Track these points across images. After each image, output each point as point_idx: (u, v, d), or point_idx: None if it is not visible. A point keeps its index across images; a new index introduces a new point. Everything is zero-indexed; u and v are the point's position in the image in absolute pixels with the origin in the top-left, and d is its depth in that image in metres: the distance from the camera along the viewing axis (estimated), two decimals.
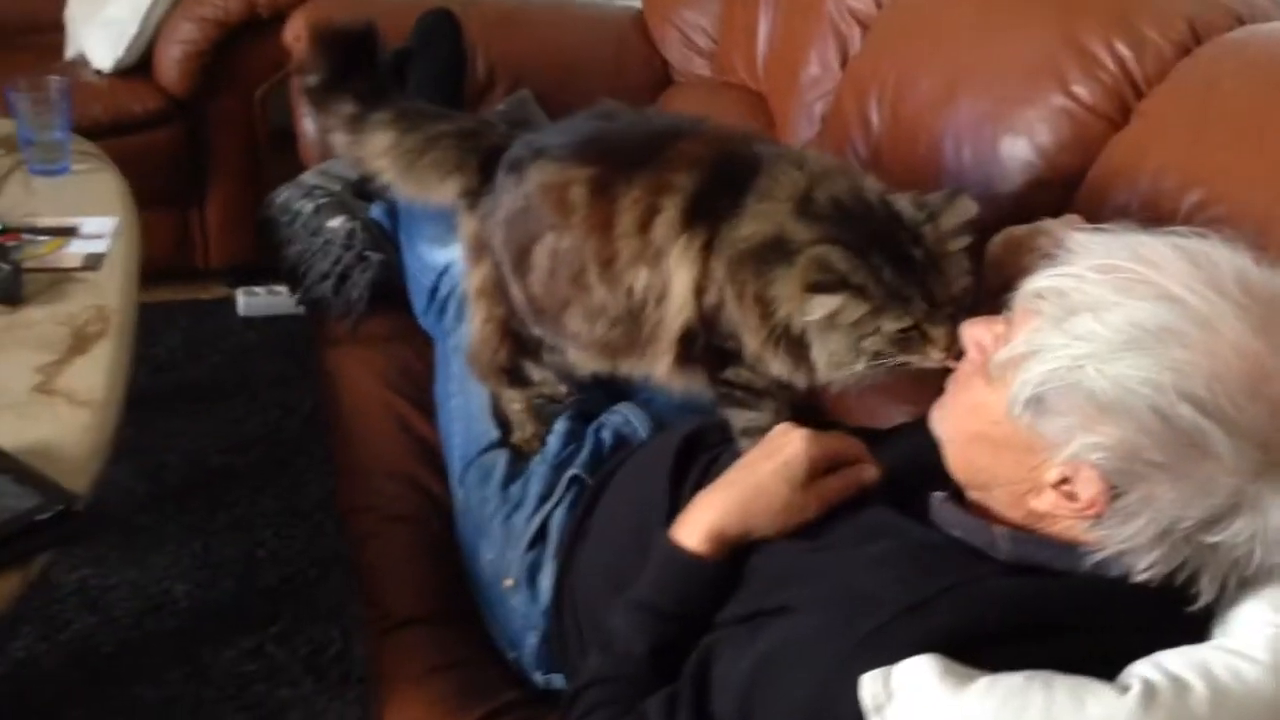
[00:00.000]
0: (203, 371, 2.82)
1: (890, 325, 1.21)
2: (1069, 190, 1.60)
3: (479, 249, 1.56)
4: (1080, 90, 1.59)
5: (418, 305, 1.98)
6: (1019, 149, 1.65)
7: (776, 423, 1.35)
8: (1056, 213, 1.60)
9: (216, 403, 2.69)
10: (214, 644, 2.03)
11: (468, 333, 1.63)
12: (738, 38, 2.44)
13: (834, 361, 1.25)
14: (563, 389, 1.72)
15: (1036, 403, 0.99)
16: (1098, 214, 1.52)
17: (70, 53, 3.05)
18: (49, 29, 3.10)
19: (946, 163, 1.74)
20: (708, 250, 1.32)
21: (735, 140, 1.41)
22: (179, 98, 2.90)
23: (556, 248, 1.43)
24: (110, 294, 1.83)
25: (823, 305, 1.21)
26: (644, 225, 1.36)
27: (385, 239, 2.15)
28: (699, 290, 1.33)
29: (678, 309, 1.36)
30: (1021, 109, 1.65)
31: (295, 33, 2.55)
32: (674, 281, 1.35)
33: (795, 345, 1.28)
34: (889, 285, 1.20)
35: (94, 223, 2.02)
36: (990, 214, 1.67)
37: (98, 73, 2.95)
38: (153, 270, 3.07)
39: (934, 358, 1.22)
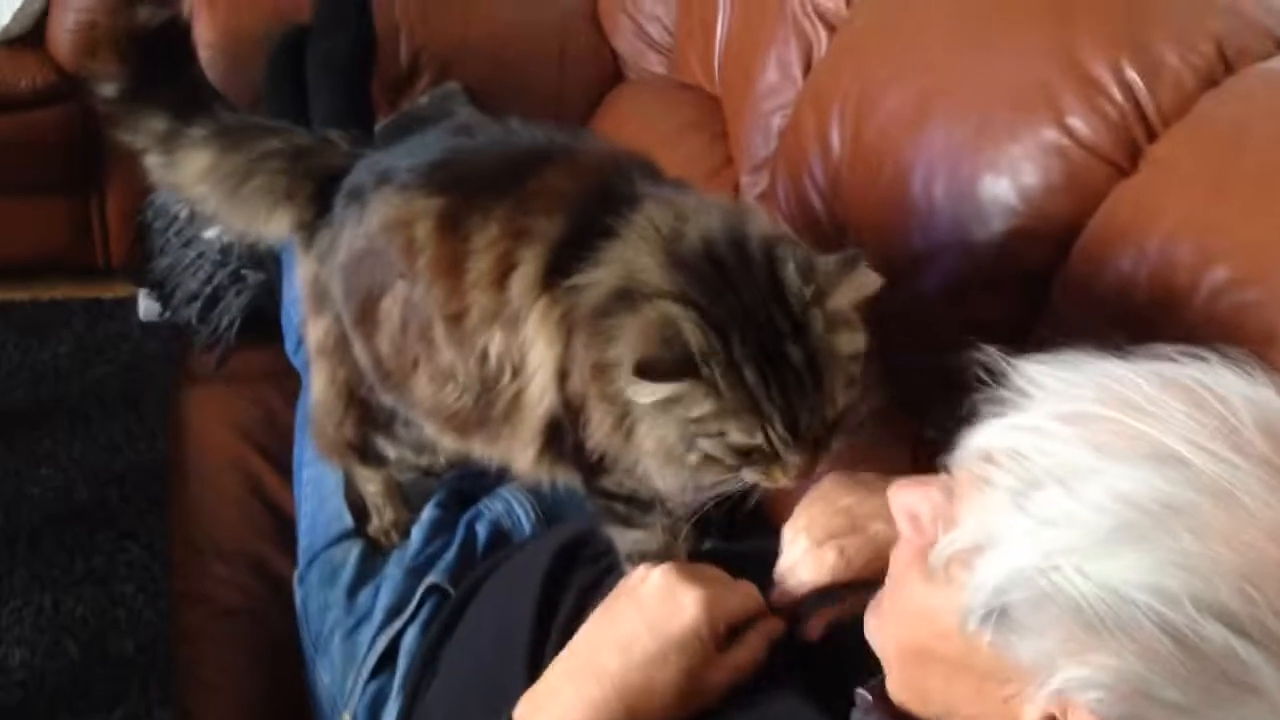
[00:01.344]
0: (89, 384, 2.51)
1: (737, 437, 0.92)
2: (1060, 247, 1.29)
3: (318, 297, 1.25)
4: (1077, 124, 1.28)
5: (288, 342, 1.67)
6: (1000, 191, 1.33)
7: (666, 545, 1.06)
8: (1044, 273, 1.32)
9: (97, 422, 2.39)
10: None
11: (310, 395, 1.33)
12: (694, 32, 2.12)
13: (662, 450, 0.96)
14: (441, 460, 1.42)
15: (1000, 617, 0.71)
16: (1095, 282, 1.23)
17: None
18: None
19: (914, 199, 1.43)
20: (567, 322, 1.02)
21: (613, 171, 1.10)
22: (73, 73, 2.57)
23: (409, 298, 1.12)
24: None
25: (650, 392, 0.91)
26: (499, 279, 1.06)
27: (271, 256, 1.84)
28: (562, 373, 1.03)
29: (539, 393, 1.06)
30: (1005, 142, 1.34)
31: (192, 5, 2.22)
32: (532, 354, 1.05)
33: (625, 418, 0.99)
34: (747, 391, 0.90)
35: None
36: (965, 268, 1.38)
37: None
38: (49, 265, 2.87)
39: (780, 483, 0.96)
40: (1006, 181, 1.33)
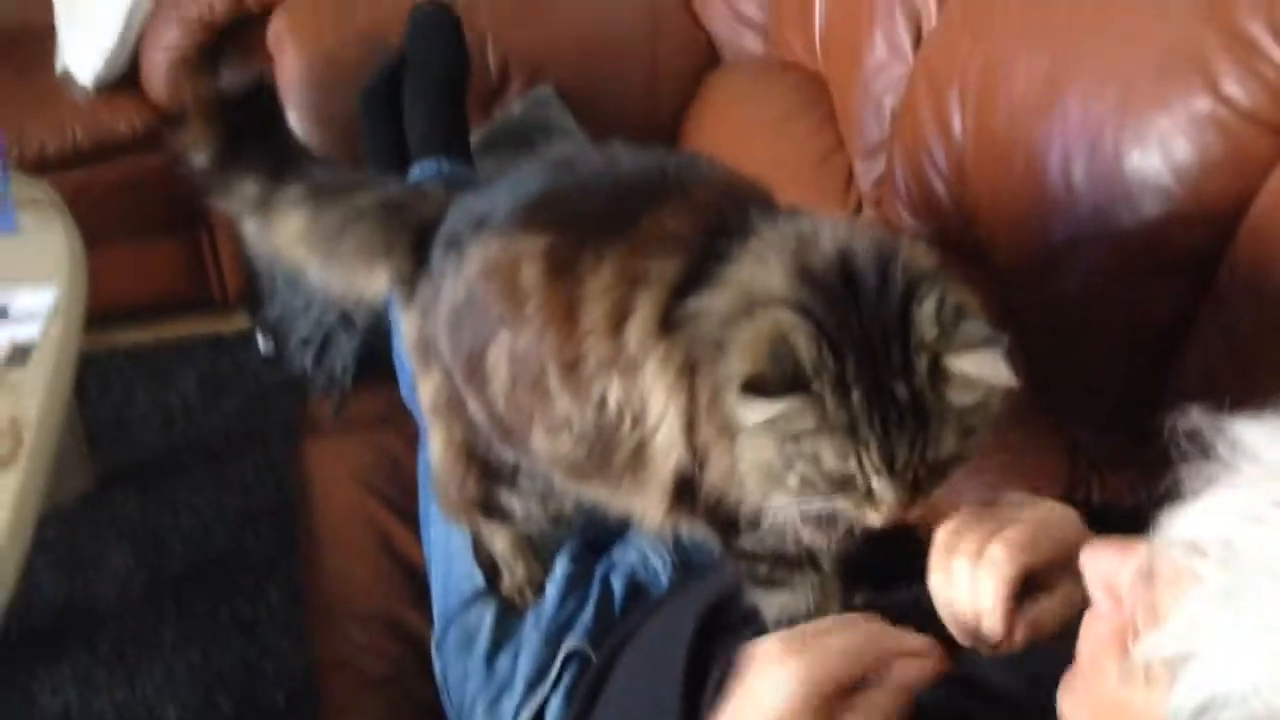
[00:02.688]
0: (216, 423, 2.52)
1: (830, 460, 0.85)
2: (1222, 231, 1.17)
3: (425, 353, 1.19)
4: (1234, 90, 1.15)
5: (403, 385, 1.62)
6: (1150, 170, 1.21)
7: (817, 606, 0.99)
8: (1205, 261, 1.19)
9: (228, 462, 2.39)
10: None
11: (430, 456, 1.27)
12: (791, 9, 2.00)
13: (760, 466, 0.89)
14: (568, 507, 1.36)
15: None
16: (1269, 269, 1.10)
17: (59, 65, 2.74)
18: (43, 34, 2.80)
19: (1051, 185, 1.32)
20: (690, 362, 0.95)
21: (730, 207, 1.01)
22: (171, 112, 2.57)
23: (514, 349, 1.06)
24: (30, 402, 1.51)
25: (758, 412, 0.85)
26: (616, 325, 0.99)
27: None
28: (690, 425, 0.96)
29: (667, 446, 0.99)
30: (1152, 115, 1.21)
31: (277, 34, 2.19)
32: (652, 403, 0.98)
33: (726, 436, 0.92)
34: (849, 414, 0.84)
35: (28, 297, 1.72)
36: (1114, 259, 1.26)
37: (85, 90, 2.63)
38: (167, 304, 2.89)
39: (869, 519, 0.89)
40: (1156, 159, 1.21)
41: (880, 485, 0.86)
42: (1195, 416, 0.70)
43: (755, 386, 0.83)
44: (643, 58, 2.23)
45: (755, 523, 0.98)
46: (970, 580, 0.86)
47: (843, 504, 0.88)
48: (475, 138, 2.06)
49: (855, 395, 0.83)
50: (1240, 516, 0.62)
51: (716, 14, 2.23)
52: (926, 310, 0.86)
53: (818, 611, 1.01)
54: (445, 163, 1.86)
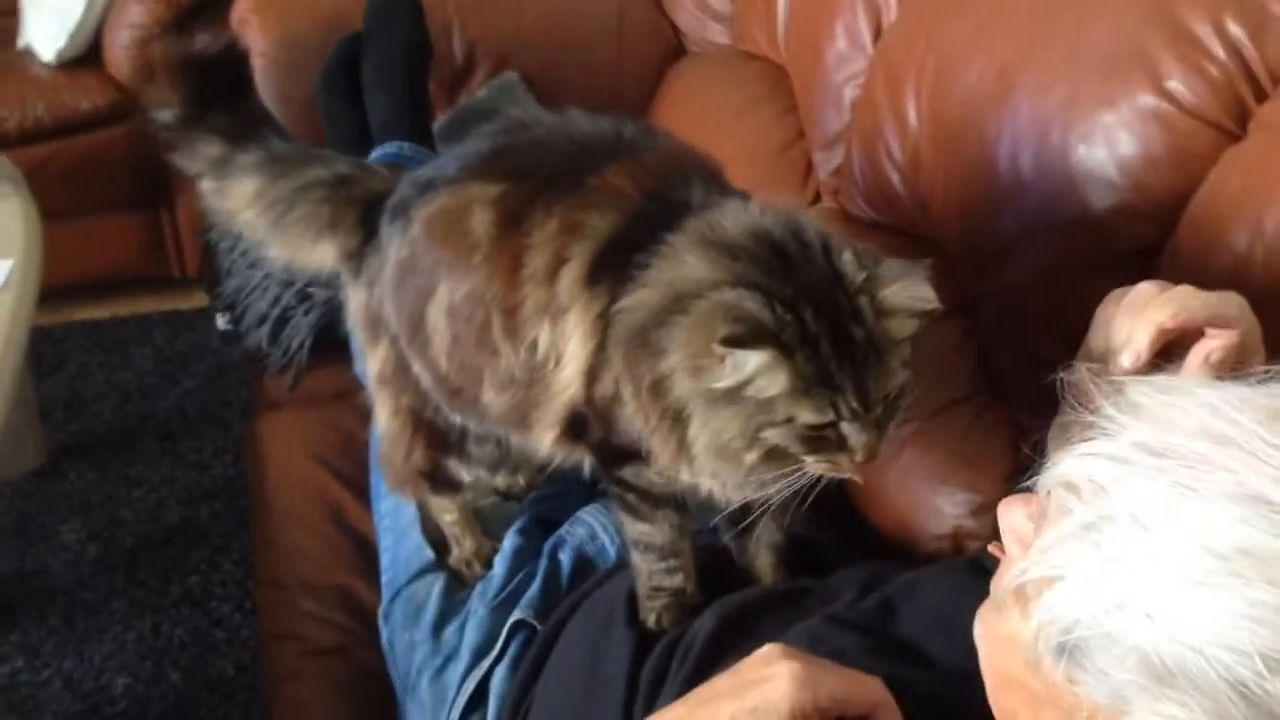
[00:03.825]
0: (173, 398, 2.51)
1: (808, 417, 0.89)
2: (1164, 223, 1.20)
3: (372, 325, 1.21)
4: (1178, 87, 1.18)
5: (358, 363, 1.63)
6: (1096, 163, 1.24)
7: (674, 540, 1.08)
8: (1148, 252, 1.22)
9: (184, 439, 2.39)
10: None
11: (376, 429, 1.29)
12: (755, 1, 2.02)
13: (718, 445, 0.92)
14: (520, 481, 1.37)
15: (1072, 653, 0.66)
16: (1206, 261, 1.13)
17: (21, 41, 2.72)
18: (5, 10, 2.79)
19: (1000, 177, 1.34)
20: (605, 318, 0.99)
21: (675, 176, 1.05)
22: (133, 90, 2.55)
23: (453, 302, 1.08)
24: None
25: (744, 362, 0.87)
26: (552, 272, 1.03)
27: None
28: (590, 373, 1.01)
29: (566, 382, 1.04)
30: (1099, 111, 1.24)
31: (240, 14, 2.19)
32: (569, 347, 1.03)
33: (675, 423, 0.94)
34: (822, 361, 0.88)
35: None
36: (1060, 249, 1.29)
37: (47, 66, 2.62)
38: (126, 280, 2.88)
39: (845, 469, 0.93)
40: (1102, 153, 1.23)
41: (852, 430, 0.90)
42: (1081, 371, 0.75)
43: (734, 340, 0.86)
44: (609, 46, 2.24)
45: (640, 459, 1.02)
46: (1132, 316, 0.86)
47: (813, 463, 0.92)
48: (439, 123, 2.07)
49: (823, 344, 0.87)
50: (1108, 458, 0.67)
51: (682, 5, 2.24)
52: (847, 259, 0.92)
53: (671, 548, 1.09)
54: (408, 147, 1.86)
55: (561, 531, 1.30)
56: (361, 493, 1.53)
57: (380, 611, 1.33)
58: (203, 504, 2.23)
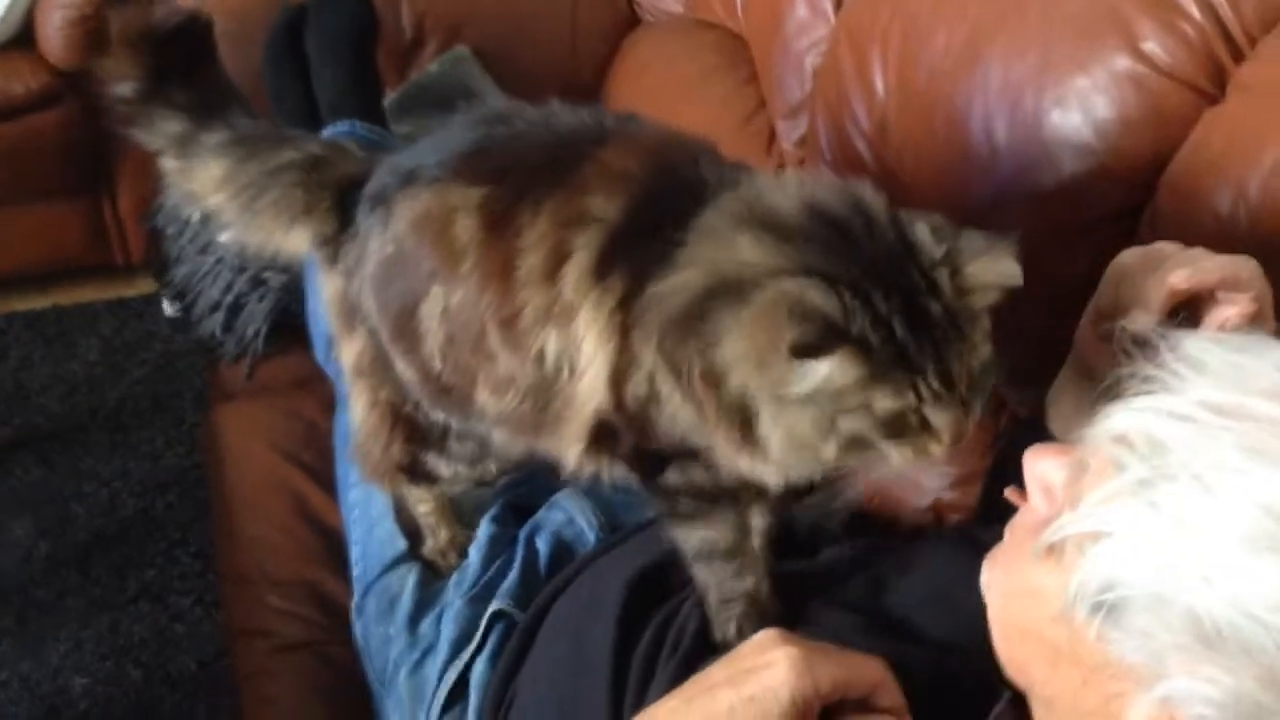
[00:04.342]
0: (122, 390, 2.44)
1: (886, 403, 0.83)
2: (1143, 187, 1.18)
3: (348, 315, 1.16)
4: (1153, 48, 1.17)
5: (317, 349, 1.58)
6: (1070, 128, 1.22)
7: (737, 540, 0.98)
8: (1127, 217, 1.21)
9: (135, 429, 2.33)
10: None
11: (351, 420, 1.24)
12: None
13: (791, 441, 0.86)
14: (492, 468, 1.34)
15: (1111, 611, 0.65)
16: (1188, 224, 1.12)
17: None
18: None
19: (973, 144, 1.32)
20: (624, 312, 0.92)
21: (679, 152, 0.99)
22: (67, 72, 2.47)
23: (449, 305, 1.02)
24: None
25: (815, 375, 0.81)
26: (551, 272, 0.96)
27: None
28: (616, 376, 0.94)
29: (589, 390, 0.97)
30: (1073, 74, 1.22)
31: None
32: (584, 349, 0.96)
33: (738, 415, 0.88)
34: (898, 345, 0.81)
35: None
36: (1035, 215, 1.27)
37: None
38: (67, 269, 2.80)
39: (933, 453, 0.86)
40: (1077, 117, 1.21)
41: (936, 413, 0.83)
42: (1143, 321, 0.73)
43: (803, 350, 0.80)
44: (562, 17, 2.20)
45: (685, 458, 0.96)
46: (1144, 276, 0.86)
47: (897, 452, 0.85)
48: (390, 99, 2.02)
49: (898, 326, 0.81)
50: (1169, 414, 0.66)
51: None
52: (922, 232, 0.85)
53: (736, 548, 1.00)
54: (360, 125, 1.81)
55: (537, 517, 1.27)
56: (326, 483, 1.49)
57: (353, 606, 1.30)
58: (157, 496, 2.18)
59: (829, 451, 0.85)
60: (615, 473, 1.05)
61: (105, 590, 1.98)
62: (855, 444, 0.85)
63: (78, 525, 2.11)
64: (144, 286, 2.74)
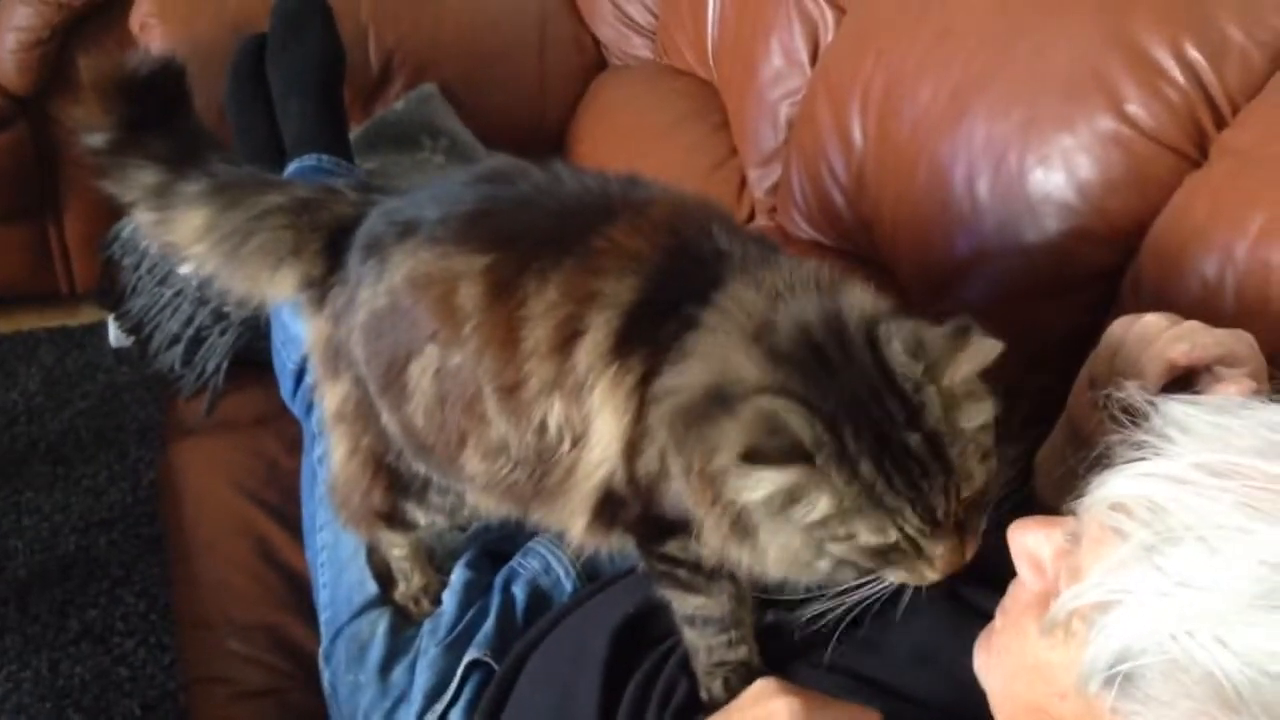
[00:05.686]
0: (64, 421, 2.37)
1: (869, 538, 0.82)
2: (1125, 249, 1.20)
3: (333, 360, 1.13)
4: (1137, 111, 1.19)
5: (283, 387, 1.55)
6: (1054, 187, 1.24)
7: (733, 611, 0.98)
8: (1108, 278, 1.22)
9: (77, 463, 2.26)
10: None
11: (329, 465, 1.21)
12: (682, 15, 1.99)
13: (787, 558, 0.86)
14: (465, 512, 1.31)
15: (1125, 681, 0.64)
16: (1173, 289, 1.13)
17: None
18: None
19: (955, 199, 1.33)
20: (643, 389, 0.91)
21: (690, 225, 0.98)
22: (18, 95, 2.41)
23: (444, 366, 1.01)
24: None
25: (764, 482, 0.80)
26: (562, 345, 0.94)
27: None
28: (630, 447, 0.93)
29: (596, 461, 0.96)
30: (1057, 134, 1.24)
31: (141, 19, 2.08)
32: (596, 424, 0.94)
33: (740, 524, 0.88)
34: (866, 487, 0.80)
35: None
36: (1018, 273, 1.28)
37: None
38: (9, 296, 2.72)
39: (928, 578, 0.85)
40: (1060, 177, 1.23)
41: (929, 544, 0.83)
42: (1130, 390, 0.73)
43: (753, 455, 0.79)
44: (529, 57, 2.19)
45: (688, 534, 0.95)
46: (1140, 348, 0.86)
47: (894, 575, 0.85)
48: (355, 134, 2.00)
49: (864, 466, 0.80)
50: (1166, 478, 0.66)
51: (603, 17, 2.21)
52: (897, 351, 0.83)
53: (731, 619, 0.99)
54: (326, 160, 1.78)
55: (513, 563, 1.25)
56: (289, 524, 1.45)
57: (320, 652, 1.26)
58: (100, 532, 2.10)
59: (823, 568, 0.85)
60: (616, 544, 1.03)
61: (45, 629, 1.91)
62: (848, 565, 0.85)
63: (16, 561, 2.04)
64: (88, 315, 2.67)
